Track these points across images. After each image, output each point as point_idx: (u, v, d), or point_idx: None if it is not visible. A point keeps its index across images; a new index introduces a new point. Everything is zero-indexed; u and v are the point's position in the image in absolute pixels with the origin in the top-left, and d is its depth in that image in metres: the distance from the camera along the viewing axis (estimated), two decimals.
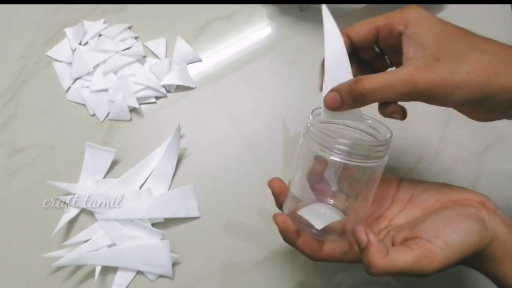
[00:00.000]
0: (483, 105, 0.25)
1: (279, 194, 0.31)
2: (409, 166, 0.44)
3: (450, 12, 0.50)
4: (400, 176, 0.32)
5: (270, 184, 0.31)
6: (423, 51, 0.25)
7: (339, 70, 0.27)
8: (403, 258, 0.24)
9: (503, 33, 0.49)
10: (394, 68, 0.32)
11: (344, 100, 0.26)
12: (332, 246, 0.29)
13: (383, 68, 0.32)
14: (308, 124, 0.28)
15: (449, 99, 0.25)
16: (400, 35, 0.27)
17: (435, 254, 0.24)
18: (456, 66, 0.24)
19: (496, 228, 0.26)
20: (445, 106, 0.26)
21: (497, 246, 0.25)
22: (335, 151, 0.26)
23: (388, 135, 0.28)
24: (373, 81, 0.25)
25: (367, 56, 0.31)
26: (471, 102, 0.25)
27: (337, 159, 0.26)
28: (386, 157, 0.28)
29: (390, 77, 0.25)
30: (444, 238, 0.25)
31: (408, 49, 0.26)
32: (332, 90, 0.27)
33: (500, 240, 0.25)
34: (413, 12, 0.26)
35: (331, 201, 0.30)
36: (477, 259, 0.26)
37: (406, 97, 0.25)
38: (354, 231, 0.26)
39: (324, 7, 0.28)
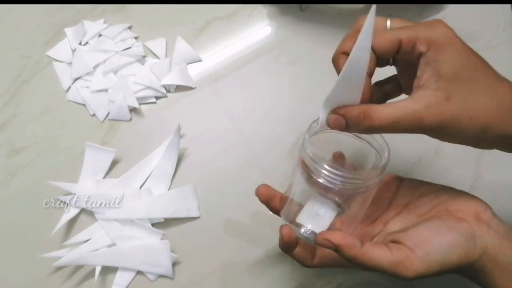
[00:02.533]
0: (480, 144, 0.27)
1: (268, 201, 0.31)
2: (409, 166, 0.44)
3: (450, 12, 0.50)
4: (401, 176, 0.32)
5: (257, 192, 0.32)
6: (437, 81, 0.25)
7: (352, 82, 0.26)
8: (379, 257, 0.25)
9: (503, 33, 0.49)
10: (396, 69, 0.31)
11: (350, 127, 0.26)
12: (323, 256, 0.30)
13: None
14: (303, 142, 0.28)
15: (449, 138, 0.26)
16: (420, 55, 0.26)
17: (413, 264, 0.25)
18: (462, 111, 0.25)
19: (487, 243, 0.25)
20: (445, 141, 0.27)
21: (487, 261, 0.25)
22: (324, 177, 0.26)
23: (386, 155, 0.28)
24: (382, 118, 0.25)
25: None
26: (468, 142, 0.27)
27: (327, 184, 0.26)
28: (382, 176, 0.28)
29: (399, 114, 0.25)
30: (427, 250, 0.25)
31: (423, 73, 0.26)
32: (337, 113, 0.26)
33: (490, 255, 0.25)
34: (440, 31, 0.26)
35: (329, 195, 0.30)
36: (466, 271, 0.26)
37: (410, 132, 0.26)
38: (319, 242, 0.26)
39: (373, 10, 0.24)
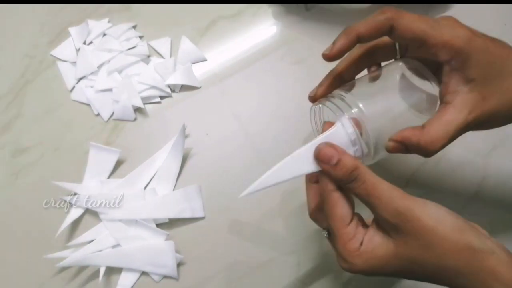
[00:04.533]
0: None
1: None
2: (415, 167, 0.44)
3: (456, 11, 0.49)
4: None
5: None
6: (467, 84, 0.26)
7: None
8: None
9: (509, 33, 0.49)
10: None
11: (409, 150, 0.27)
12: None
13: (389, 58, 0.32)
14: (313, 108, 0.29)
15: (486, 127, 0.28)
16: (441, 63, 0.27)
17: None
18: (500, 106, 0.27)
19: (494, 249, 0.24)
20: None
21: (496, 264, 0.24)
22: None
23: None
24: (437, 140, 0.26)
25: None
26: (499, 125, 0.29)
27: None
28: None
29: (451, 131, 0.26)
30: None
31: (450, 79, 0.27)
32: (395, 141, 0.27)
33: (501, 260, 0.24)
34: (459, 34, 0.26)
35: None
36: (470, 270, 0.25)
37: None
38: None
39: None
